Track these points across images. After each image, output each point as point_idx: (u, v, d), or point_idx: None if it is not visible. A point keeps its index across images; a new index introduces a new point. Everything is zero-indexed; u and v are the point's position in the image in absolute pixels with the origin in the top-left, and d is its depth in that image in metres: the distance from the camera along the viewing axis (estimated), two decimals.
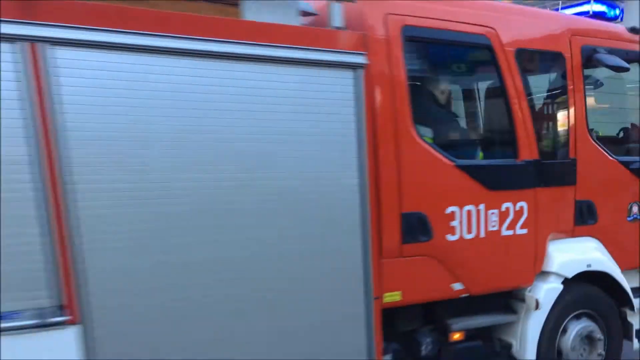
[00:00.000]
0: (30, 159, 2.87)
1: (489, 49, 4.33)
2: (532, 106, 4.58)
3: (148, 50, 3.10)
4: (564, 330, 4.85)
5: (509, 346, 4.70)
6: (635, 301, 5.07)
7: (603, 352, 5.02)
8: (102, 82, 3.02)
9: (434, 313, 4.44)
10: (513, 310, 4.70)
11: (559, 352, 4.86)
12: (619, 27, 5.16)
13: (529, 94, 4.52)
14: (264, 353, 3.58)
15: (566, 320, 4.83)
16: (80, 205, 3.00)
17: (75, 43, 2.95)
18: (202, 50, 3.20)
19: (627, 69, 4.86)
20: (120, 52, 3.04)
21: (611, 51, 4.85)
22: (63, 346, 3.02)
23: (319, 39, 3.54)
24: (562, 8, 4.76)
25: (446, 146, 4.24)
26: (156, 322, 3.25)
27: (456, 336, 4.45)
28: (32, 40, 2.85)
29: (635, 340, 5.21)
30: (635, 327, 5.19)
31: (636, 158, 5.11)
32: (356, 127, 3.67)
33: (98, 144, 3.01)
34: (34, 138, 2.86)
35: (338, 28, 3.63)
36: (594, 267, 4.84)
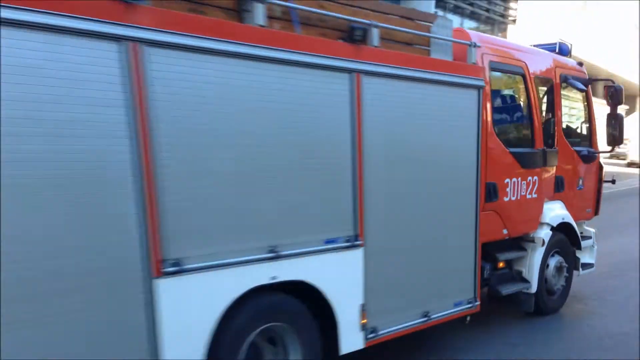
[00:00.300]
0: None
1: (523, 76, 6.66)
2: (540, 113, 6.99)
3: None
4: (547, 265, 7.38)
5: (520, 273, 7.08)
6: (582, 243, 7.80)
7: (564, 278, 7.65)
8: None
9: (485, 250, 6.63)
10: (524, 249, 7.09)
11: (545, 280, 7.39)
12: (573, 62, 7.79)
13: (539, 105, 6.93)
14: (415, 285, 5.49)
15: (549, 256, 7.34)
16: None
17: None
18: (390, 73, 4.90)
19: (584, 90, 7.55)
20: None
21: (574, 78, 7.47)
22: (356, 260, 4.80)
23: (465, 69, 5.55)
24: (536, 45, 6.70)
25: (503, 139, 6.46)
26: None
27: (500, 265, 6.73)
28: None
29: (580, 270, 7.96)
30: (581, 261, 7.94)
31: (583, 148, 7.80)
32: (477, 126, 5.75)
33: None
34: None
35: (474, 64, 5.67)
36: (565, 220, 7.46)
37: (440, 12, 23.78)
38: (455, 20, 24.61)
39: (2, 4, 3.03)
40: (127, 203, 3.52)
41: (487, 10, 29.00)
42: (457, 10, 26.76)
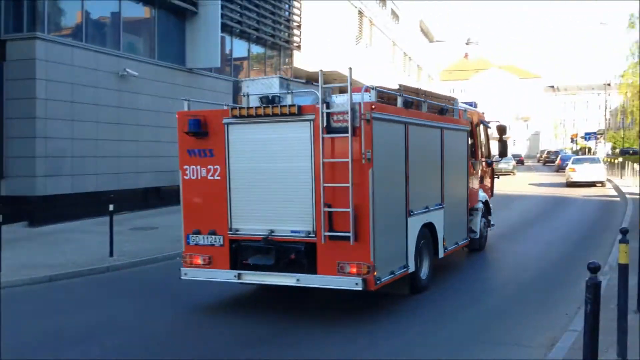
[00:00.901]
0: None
1: (471, 123, 12.40)
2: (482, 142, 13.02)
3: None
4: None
5: (471, 228, 12.57)
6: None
7: (487, 230, 13.52)
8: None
9: None
10: (472, 215, 12.66)
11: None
12: (479, 110, 13.71)
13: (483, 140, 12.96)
14: None
15: (482, 218, 13.09)
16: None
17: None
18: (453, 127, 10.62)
19: (488, 127, 13.61)
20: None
21: (483, 121, 13.44)
22: (442, 214, 10.09)
23: (464, 122, 11.15)
24: (464, 102, 12.53)
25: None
26: None
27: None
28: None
29: (491, 226, 14.01)
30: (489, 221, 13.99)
31: (487, 159, 13.86)
32: (466, 149, 11.47)
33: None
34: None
35: (470, 121, 11.33)
36: (486, 199, 13.35)
37: (227, 37, 25.23)
38: (242, 46, 27.34)
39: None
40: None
41: (273, 36, 29.00)
42: (243, 35, 26.91)
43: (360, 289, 7.38)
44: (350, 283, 7.44)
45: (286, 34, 30.85)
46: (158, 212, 19.77)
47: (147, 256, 12.49)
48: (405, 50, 60.18)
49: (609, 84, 65.28)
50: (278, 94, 8.09)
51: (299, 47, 32.05)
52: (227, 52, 26.32)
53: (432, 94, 10.34)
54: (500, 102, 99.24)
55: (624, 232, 6.25)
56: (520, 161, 63.84)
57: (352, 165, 7.31)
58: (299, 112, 7.62)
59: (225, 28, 24.43)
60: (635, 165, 30.21)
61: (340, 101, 7.74)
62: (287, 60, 32.11)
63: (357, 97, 7.52)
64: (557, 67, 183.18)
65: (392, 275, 8.04)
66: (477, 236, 12.55)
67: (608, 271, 9.68)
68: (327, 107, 7.50)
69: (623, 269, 5.96)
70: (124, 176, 19.52)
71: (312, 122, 7.60)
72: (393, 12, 59.04)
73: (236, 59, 27.55)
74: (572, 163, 34.11)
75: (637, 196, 22.52)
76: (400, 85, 8.86)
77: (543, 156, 72.58)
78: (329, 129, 7.46)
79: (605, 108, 71.58)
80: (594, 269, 4.38)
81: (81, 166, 17.72)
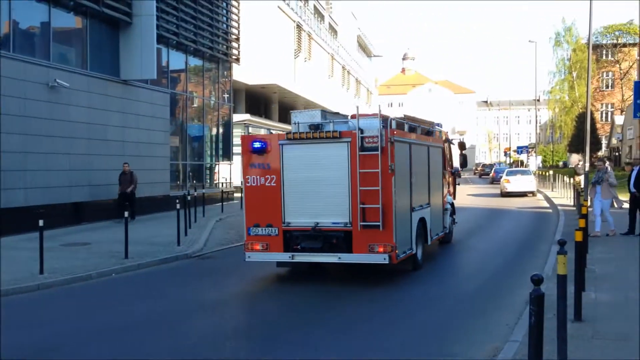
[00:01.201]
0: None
1: (446, 142, 13.53)
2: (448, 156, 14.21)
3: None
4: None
5: (444, 226, 13.97)
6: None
7: (453, 226, 14.93)
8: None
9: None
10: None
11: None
12: (445, 130, 14.58)
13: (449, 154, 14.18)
14: None
15: (449, 216, 14.21)
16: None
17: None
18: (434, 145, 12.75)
19: (452, 143, 15.03)
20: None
21: (448, 139, 14.64)
22: (428, 211, 12.63)
23: (440, 140, 12.35)
24: (435, 124, 13.97)
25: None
26: None
27: None
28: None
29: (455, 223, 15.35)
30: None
31: (452, 169, 15.15)
32: (442, 160, 13.19)
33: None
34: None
35: (446, 139, 12.96)
36: (452, 200, 14.79)
37: (163, 48, 24.78)
38: (179, 58, 26.82)
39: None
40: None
41: (211, 48, 28.71)
42: (180, 47, 26.39)
43: (387, 262, 10.21)
44: (380, 258, 10.23)
45: (224, 46, 30.61)
46: (92, 227, 19.10)
47: (80, 273, 11.95)
48: (344, 64, 60.74)
49: (538, 100, 67.64)
50: (320, 122, 10.74)
51: (237, 59, 31.86)
52: (164, 64, 25.79)
53: (419, 120, 13.27)
54: (437, 117, 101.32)
55: (562, 243, 6.33)
56: (457, 174, 65.88)
57: (381, 174, 10.08)
58: (339, 136, 10.28)
59: (161, 39, 24.00)
60: (566, 178, 31.26)
61: (369, 127, 10.31)
62: (225, 73, 31.94)
63: (366, 121, 10.48)
64: (490, 82, 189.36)
65: (405, 254, 10.79)
66: (447, 231, 14.83)
67: (545, 281, 9.84)
68: (362, 133, 10.17)
69: (562, 280, 6.02)
70: (55, 190, 18.76)
71: (348, 143, 10.27)
72: (331, 27, 59.64)
73: (173, 71, 27.05)
74: (506, 175, 36.07)
75: (569, 208, 23.34)
76: (404, 115, 12.27)
77: (479, 169, 74.49)
78: (362, 148, 10.17)
79: (536, 123, 74.06)
80: (537, 280, 4.38)
81: (9, 180, 16.89)
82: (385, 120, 10.51)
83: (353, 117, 10.94)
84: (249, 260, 10.96)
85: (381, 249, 10.16)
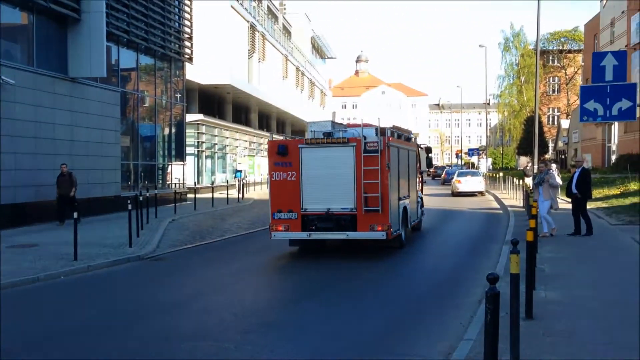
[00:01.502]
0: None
1: (417, 146, 14.60)
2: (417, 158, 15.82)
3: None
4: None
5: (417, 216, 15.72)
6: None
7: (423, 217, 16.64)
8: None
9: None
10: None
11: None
12: (413, 137, 15.40)
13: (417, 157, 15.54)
14: None
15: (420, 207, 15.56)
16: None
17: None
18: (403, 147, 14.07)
19: (421, 148, 15.92)
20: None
21: (420, 144, 15.87)
22: (407, 203, 15.46)
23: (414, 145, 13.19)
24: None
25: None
26: None
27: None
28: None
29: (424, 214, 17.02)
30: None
31: (421, 170, 16.56)
32: (416, 161, 14.73)
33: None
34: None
35: (418, 145, 13.72)
36: (422, 194, 16.26)
37: (113, 46, 24.37)
38: (130, 56, 26.28)
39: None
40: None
41: (163, 47, 28.22)
42: (131, 45, 25.90)
43: (384, 238, 13.12)
44: (379, 235, 13.14)
45: (177, 45, 30.18)
46: (38, 229, 18.55)
47: (29, 275, 11.57)
48: (298, 65, 60.72)
49: (488, 103, 69.06)
50: (331, 130, 13.69)
51: (190, 59, 31.55)
52: (114, 62, 25.25)
53: (403, 130, 15.96)
54: (390, 119, 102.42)
55: (515, 243, 6.44)
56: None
57: (380, 171, 13.02)
58: (347, 141, 13.21)
59: (111, 37, 23.53)
60: (515, 179, 31.99)
61: (370, 135, 13.39)
62: (178, 72, 31.54)
63: (368, 130, 13.60)
64: (442, 86, 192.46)
65: (395, 233, 13.76)
66: (418, 220, 17.60)
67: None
68: (365, 139, 13.07)
69: (514, 279, 6.10)
70: None
71: (354, 147, 13.14)
72: (285, 28, 59.57)
73: (124, 70, 26.50)
74: (457, 176, 37.65)
75: (519, 209, 23.87)
76: (393, 126, 14.83)
77: (431, 171, 75.52)
78: (365, 151, 13.05)
79: (486, 126, 75.54)
80: (493, 279, 4.42)
81: None
82: (382, 129, 13.41)
83: (349, 126, 15.13)
84: (275, 238, 13.81)
85: (380, 228, 13.02)
